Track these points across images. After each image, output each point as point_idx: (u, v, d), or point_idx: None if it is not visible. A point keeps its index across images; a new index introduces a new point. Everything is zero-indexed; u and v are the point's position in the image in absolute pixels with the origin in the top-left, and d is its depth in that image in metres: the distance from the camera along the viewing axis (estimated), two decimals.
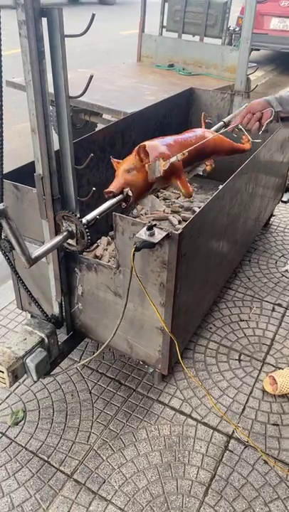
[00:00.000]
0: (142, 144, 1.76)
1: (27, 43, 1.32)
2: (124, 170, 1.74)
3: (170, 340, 1.82)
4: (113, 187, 1.70)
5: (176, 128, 3.10)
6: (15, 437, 1.94)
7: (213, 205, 1.90)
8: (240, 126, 2.00)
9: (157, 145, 1.87)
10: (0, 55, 1.38)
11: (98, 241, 2.64)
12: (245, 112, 1.90)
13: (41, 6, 1.29)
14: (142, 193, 1.76)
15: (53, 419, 2.01)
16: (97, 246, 2.59)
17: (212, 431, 1.99)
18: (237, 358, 2.36)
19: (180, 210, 3.11)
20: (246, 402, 2.12)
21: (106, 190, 1.69)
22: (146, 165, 1.75)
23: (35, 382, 1.93)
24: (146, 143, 1.84)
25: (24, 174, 1.79)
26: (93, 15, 1.30)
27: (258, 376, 2.25)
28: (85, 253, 1.82)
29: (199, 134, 2.15)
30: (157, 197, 3.12)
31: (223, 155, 2.29)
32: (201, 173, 2.24)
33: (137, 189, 1.73)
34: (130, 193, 1.71)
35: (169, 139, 1.97)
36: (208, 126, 2.50)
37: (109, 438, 1.94)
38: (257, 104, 1.87)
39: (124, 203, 1.74)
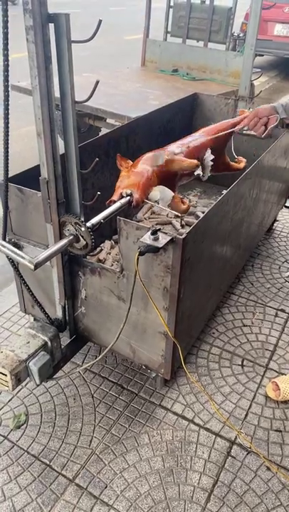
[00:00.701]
0: (117, 154, 1.80)
1: (34, 48, 1.33)
2: (118, 182, 1.77)
3: (173, 345, 1.81)
4: (113, 196, 1.73)
5: (180, 133, 3.10)
6: (17, 441, 1.94)
7: (217, 210, 1.90)
8: (246, 129, 2.05)
9: (146, 154, 1.91)
10: (7, 61, 1.40)
11: (101, 245, 2.64)
12: (252, 116, 1.96)
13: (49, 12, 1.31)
14: (142, 188, 1.76)
15: (55, 423, 2.01)
16: (101, 250, 2.59)
17: (214, 436, 1.98)
18: (240, 363, 2.35)
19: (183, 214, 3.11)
20: (249, 408, 2.11)
21: (107, 202, 1.70)
22: (133, 167, 1.78)
23: (37, 385, 1.93)
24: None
25: (29, 178, 1.80)
26: (100, 21, 1.31)
27: (260, 382, 2.25)
28: (88, 257, 1.82)
29: (194, 134, 2.19)
30: None
31: (225, 129, 2.28)
32: (212, 160, 2.21)
33: (136, 187, 1.73)
34: (129, 191, 1.71)
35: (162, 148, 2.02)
36: None
37: (111, 442, 1.94)
38: (264, 110, 1.94)
39: (130, 205, 1.74)
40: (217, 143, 2.22)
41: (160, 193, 1.83)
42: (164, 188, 1.86)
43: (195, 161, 1.99)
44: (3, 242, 1.54)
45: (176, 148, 2.03)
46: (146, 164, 1.83)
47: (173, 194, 1.89)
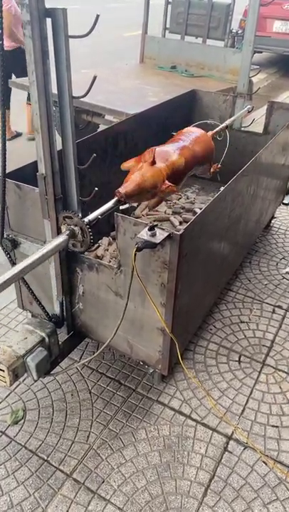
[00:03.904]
0: (174, 187, 1.80)
1: (31, 43, 1.33)
2: (146, 186, 1.76)
3: (170, 341, 1.82)
4: (127, 193, 1.72)
5: (179, 129, 3.10)
6: (14, 436, 1.95)
7: (215, 206, 1.91)
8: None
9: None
10: (2, 56, 1.40)
11: (99, 241, 2.64)
12: None
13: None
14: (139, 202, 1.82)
15: (52, 419, 2.02)
16: (98, 246, 2.59)
17: (211, 432, 1.99)
18: (237, 359, 2.36)
19: (181, 211, 3.12)
20: (246, 404, 2.12)
21: (119, 191, 1.70)
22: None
23: (35, 381, 1.94)
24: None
25: (27, 174, 1.79)
26: (97, 16, 1.31)
27: (257, 378, 2.26)
28: (86, 253, 1.83)
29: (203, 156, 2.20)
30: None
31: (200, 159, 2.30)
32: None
33: (140, 201, 1.77)
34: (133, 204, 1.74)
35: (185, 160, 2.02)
36: (211, 127, 2.51)
37: (108, 438, 1.94)
38: None
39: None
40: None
41: None
42: None
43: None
44: None
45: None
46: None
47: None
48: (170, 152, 1.95)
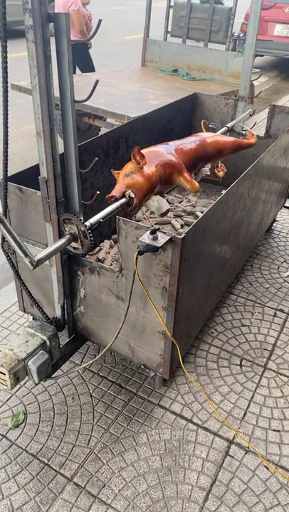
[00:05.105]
0: (135, 146, 1.76)
1: (34, 48, 1.33)
2: (123, 175, 1.75)
3: (172, 345, 1.82)
4: (114, 192, 1.71)
5: (180, 133, 3.11)
6: (15, 440, 1.94)
7: (217, 210, 1.91)
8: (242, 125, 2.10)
9: (157, 151, 1.89)
10: (6, 61, 1.40)
11: (101, 244, 2.65)
12: None
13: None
14: (145, 194, 1.76)
15: (53, 422, 2.01)
16: (100, 249, 2.60)
17: (213, 436, 1.98)
18: (238, 363, 2.35)
19: (183, 214, 3.12)
20: (247, 408, 2.11)
21: (108, 195, 1.70)
22: (145, 166, 1.76)
23: (36, 384, 1.93)
24: (145, 150, 1.86)
25: (28, 177, 1.80)
26: (100, 21, 1.32)
27: (259, 381, 2.25)
28: (87, 256, 1.83)
29: (199, 138, 2.17)
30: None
31: (229, 153, 2.31)
32: (208, 174, 2.27)
33: (139, 190, 1.73)
34: (132, 195, 1.71)
35: (169, 145, 1.99)
36: (213, 131, 2.52)
37: (109, 442, 1.94)
38: None
39: (128, 207, 1.75)
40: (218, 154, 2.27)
41: (157, 203, 1.84)
42: (162, 199, 1.88)
43: (197, 186, 2.01)
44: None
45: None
46: (156, 166, 1.83)
47: (168, 207, 1.91)
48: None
